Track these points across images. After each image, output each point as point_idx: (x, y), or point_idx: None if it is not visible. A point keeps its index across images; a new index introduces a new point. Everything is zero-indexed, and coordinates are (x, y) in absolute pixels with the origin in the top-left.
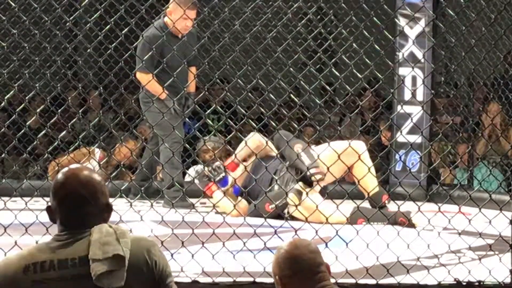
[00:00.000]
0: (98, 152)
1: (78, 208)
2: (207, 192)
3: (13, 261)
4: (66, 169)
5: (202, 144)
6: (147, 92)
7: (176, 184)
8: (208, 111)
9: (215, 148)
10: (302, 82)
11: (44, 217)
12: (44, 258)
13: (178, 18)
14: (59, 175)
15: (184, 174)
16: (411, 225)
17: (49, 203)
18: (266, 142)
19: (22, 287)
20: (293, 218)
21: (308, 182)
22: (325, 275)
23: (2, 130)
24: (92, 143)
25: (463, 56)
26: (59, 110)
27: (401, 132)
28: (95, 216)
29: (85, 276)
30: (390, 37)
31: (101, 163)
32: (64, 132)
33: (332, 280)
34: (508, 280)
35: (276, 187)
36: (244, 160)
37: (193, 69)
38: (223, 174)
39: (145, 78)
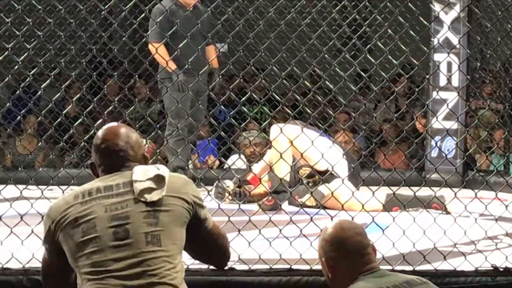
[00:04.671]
0: (146, 145)
1: (119, 157)
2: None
3: (64, 196)
4: (105, 126)
5: (243, 138)
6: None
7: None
8: (243, 99)
9: (256, 143)
10: (337, 68)
11: None
12: (91, 187)
13: None
14: (100, 132)
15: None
16: (445, 211)
17: (91, 160)
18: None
19: (73, 210)
20: (325, 208)
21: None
22: (372, 257)
23: (39, 119)
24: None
25: (499, 41)
26: (95, 99)
27: (437, 118)
28: (134, 164)
29: (129, 192)
30: (425, 22)
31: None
32: (100, 121)
33: None
34: None
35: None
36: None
37: (211, 47)
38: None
39: (154, 49)
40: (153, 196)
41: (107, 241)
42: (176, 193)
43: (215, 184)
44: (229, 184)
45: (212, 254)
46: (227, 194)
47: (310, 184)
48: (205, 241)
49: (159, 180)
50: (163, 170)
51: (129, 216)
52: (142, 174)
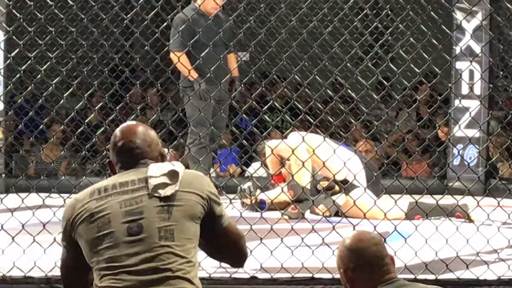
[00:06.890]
0: (168, 153)
1: (135, 155)
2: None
3: (81, 193)
4: (123, 125)
5: (263, 147)
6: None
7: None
8: (265, 108)
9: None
10: (358, 77)
11: None
12: (107, 183)
13: None
14: (117, 131)
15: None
16: (468, 219)
17: (109, 158)
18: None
19: (88, 206)
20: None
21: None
22: (390, 267)
23: (62, 127)
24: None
25: None
26: (117, 107)
27: (459, 126)
28: (151, 162)
29: (143, 188)
30: (447, 31)
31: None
32: None
33: None
34: None
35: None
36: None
37: (232, 55)
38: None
39: (175, 58)
40: (166, 191)
41: (121, 237)
42: (190, 188)
43: (247, 184)
44: (257, 192)
45: (227, 252)
46: (249, 200)
47: (329, 194)
48: (220, 238)
49: (173, 175)
50: (178, 166)
51: (143, 211)
52: (157, 170)
